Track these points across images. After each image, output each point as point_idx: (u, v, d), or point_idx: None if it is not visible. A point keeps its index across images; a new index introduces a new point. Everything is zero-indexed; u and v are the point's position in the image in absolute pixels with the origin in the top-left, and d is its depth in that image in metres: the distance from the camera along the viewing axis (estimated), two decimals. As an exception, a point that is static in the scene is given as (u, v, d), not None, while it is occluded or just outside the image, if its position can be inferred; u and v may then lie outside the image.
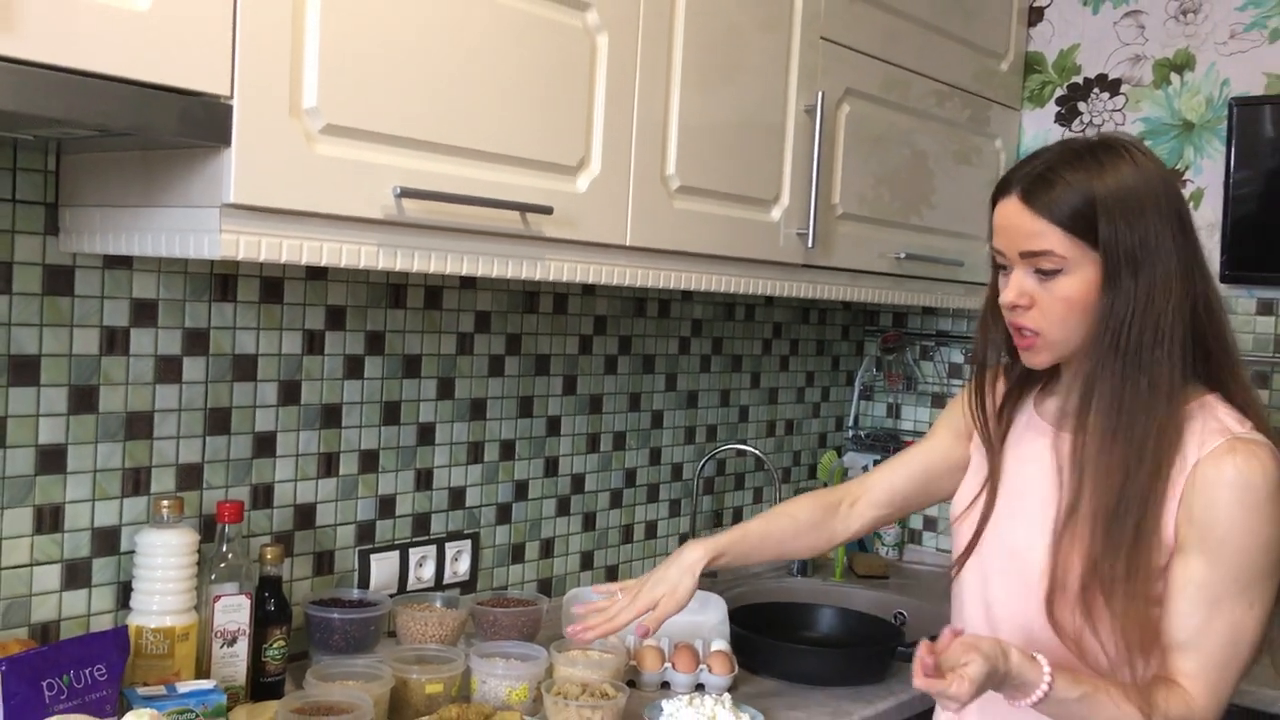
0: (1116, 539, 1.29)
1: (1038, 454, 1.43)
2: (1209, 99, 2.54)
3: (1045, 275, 1.31)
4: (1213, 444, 1.29)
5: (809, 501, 1.68)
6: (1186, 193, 2.58)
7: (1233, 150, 2.44)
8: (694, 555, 1.60)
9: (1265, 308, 2.48)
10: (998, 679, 1.23)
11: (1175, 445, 1.30)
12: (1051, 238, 1.29)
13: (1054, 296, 1.31)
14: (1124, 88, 2.66)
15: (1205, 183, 2.53)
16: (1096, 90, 2.69)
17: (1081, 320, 1.32)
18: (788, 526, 1.65)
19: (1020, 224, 1.31)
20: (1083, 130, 2.70)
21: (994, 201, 1.37)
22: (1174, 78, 2.59)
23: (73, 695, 1.34)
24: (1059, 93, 2.74)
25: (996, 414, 1.48)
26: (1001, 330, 1.41)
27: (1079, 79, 2.72)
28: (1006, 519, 1.44)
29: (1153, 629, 1.31)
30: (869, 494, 1.67)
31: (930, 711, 1.61)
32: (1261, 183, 2.41)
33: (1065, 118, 2.73)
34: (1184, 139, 2.58)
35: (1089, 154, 1.32)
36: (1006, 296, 1.34)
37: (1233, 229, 2.44)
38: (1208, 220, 2.51)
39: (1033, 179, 1.31)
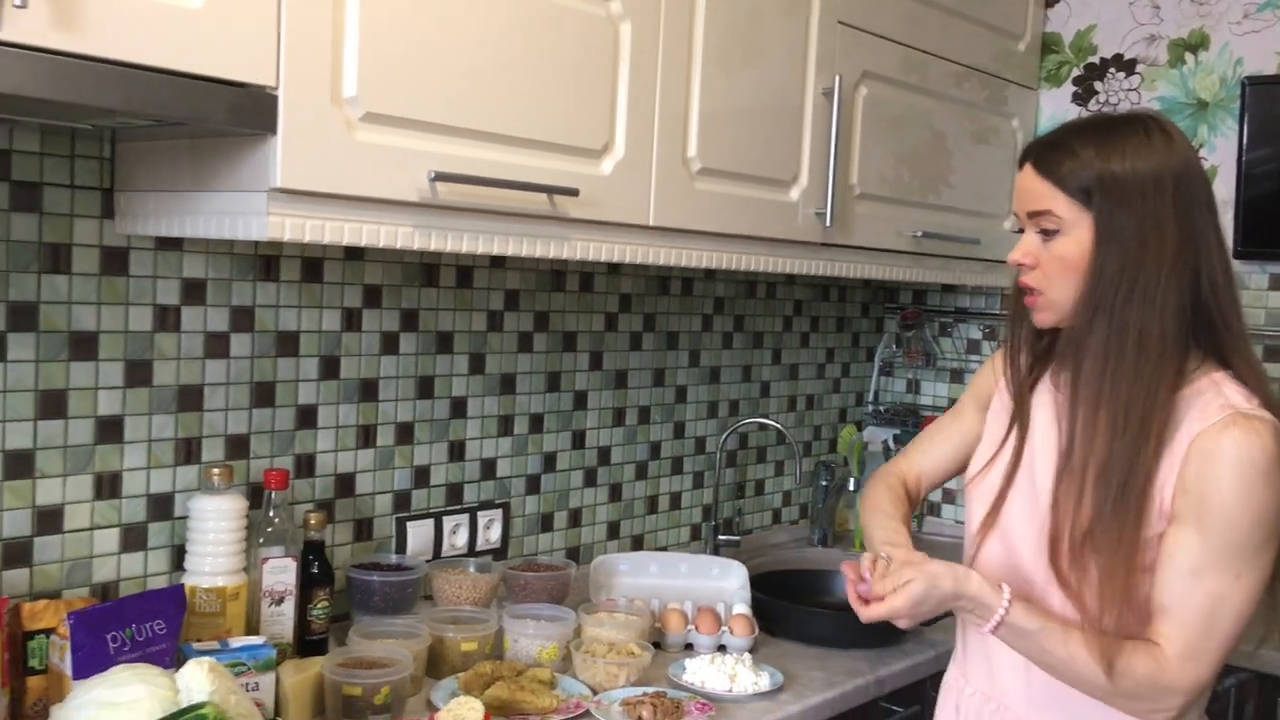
0: (1102, 498, 1.34)
1: (1050, 419, 1.48)
2: (1223, 78, 2.58)
3: (1047, 235, 1.39)
4: (1214, 418, 1.33)
5: (899, 492, 1.69)
6: (1201, 170, 2.62)
7: (1245, 129, 2.48)
8: (904, 542, 1.54)
9: (1277, 283, 2.53)
10: (942, 599, 1.35)
11: (1167, 412, 1.34)
12: (1051, 199, 1.37)
13: (1052, 255, 1.39)
14: (1139, 67, 2.70)
15: (1219, 160, 2.57)
16: (1113, 70, 2.74)
17: (1076, 281, 1.38)
18: (907, 515, 1.68)
19: (1029, 186, 1.41)
20: (1099, 110, 2.75)
21: (1020, 168, 1.46)
22: (1188, 57, 2.63)
23: (134, 647, 1.44)
24: (1076, 73, 2.79)
25: (1021, 384, 1.53)
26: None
27: (1095, 59, 2.76)
28: (1027, 481, 1.48)
29: (1131, 593, 1.34)
30: (928, 477, 1.72)
31: (941, 674, 1.67)
32: (1274, 161, 2.45)
33: (1082, 97, 2.78)
34: (1198, 118, 2.62)
35: (1104, 125, 1.39)
36: (1013, 254, 1.43)
37: (1245, 206, 2.48)
38: (1221, 197, 2.51)
39: (1045, 145, 1.41)
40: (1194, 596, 1.32)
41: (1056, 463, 1.42)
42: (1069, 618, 1.39)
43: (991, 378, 1.63)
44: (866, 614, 1.40)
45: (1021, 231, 1.44)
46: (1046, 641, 1.35)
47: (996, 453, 1.54)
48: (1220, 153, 2.57)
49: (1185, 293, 1.35)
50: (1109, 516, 1.34)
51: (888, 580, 1.38)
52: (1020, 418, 1.51)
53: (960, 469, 1.69)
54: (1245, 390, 1.36)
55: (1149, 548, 1.35)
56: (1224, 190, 2.56)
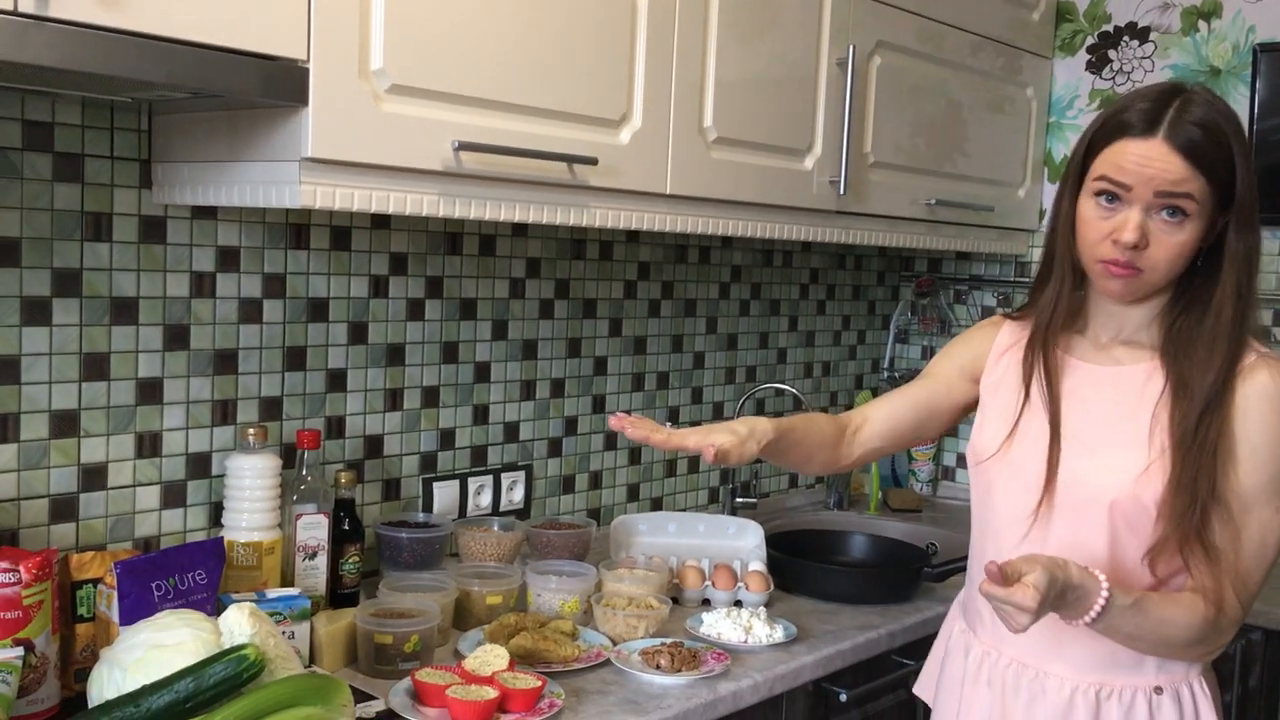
0: (1204, 440, 1.36)
1: (1101, 388, 1.47)
2: (1235, 45, 2.61)
3: (1171, 219, 1.34)
4: (1246, 361, 1.39)
5: (828, 420, 1.66)
6: (1213, 137, 2.65)
7: (1257, 96, 2.50)
8: (765, 427, 1.51)
9: (1288, 248, 2.56)
10: (1058, 590, 1.25)
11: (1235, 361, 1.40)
12: (1195, 183, 1.33)
13: (1172, 241, 1.35)
14: (1153, 35, 2.72)
15: (1231, 127, 2.59)
16: (1126, 38, 2.76)
17: (1183, 264, 1.38)
18: (815, 436, 1.62)
19: (1166, 166, 1.33)
20: (1112, 79, 2.77)
21: (1111, 135, 1.38)
22: (1201, 25, 2.66)
23: (177, 596, 1.52)
24: (1090, 41, 2.81)
25: (1053, 357, 1.51)
26: (1074, 256, 1.44)
27: (1109, 27, 2.78)
28: (1071, 454, 1.46)
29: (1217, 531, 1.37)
30: (870, 424, 1.65)
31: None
32: (1285, 127, 2.48)
33: (1096, 66, 2.80)
34: (1211, 85, 2.62)
35: (1206, 98, 1.36)
36: (1126, 235, 1.35)
37: (1258, 172, 2.50)
38: None
39: (1185, 123, 1.33)
40: (1249, 530, 1.37)
41: (1159, 436, 1.40)
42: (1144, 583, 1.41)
43: (982, 347, 1.61)
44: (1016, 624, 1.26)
45: (1107, 197, 1.37)
46: (1145, 611, 1.33)
47: (1016, 425, 1.50)
48: (1233, 120, 2.60)
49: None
50: (1207, 468, 1.36)
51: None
52: (1051, 384, 1.48)
53: (918, 427, 1.65)
54: (1253, 339, 1.42)
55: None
56: (1236, 157, 2.58)
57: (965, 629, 1.61)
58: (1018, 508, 1.49)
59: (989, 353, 1.60)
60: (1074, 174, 1.43)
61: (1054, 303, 1.50)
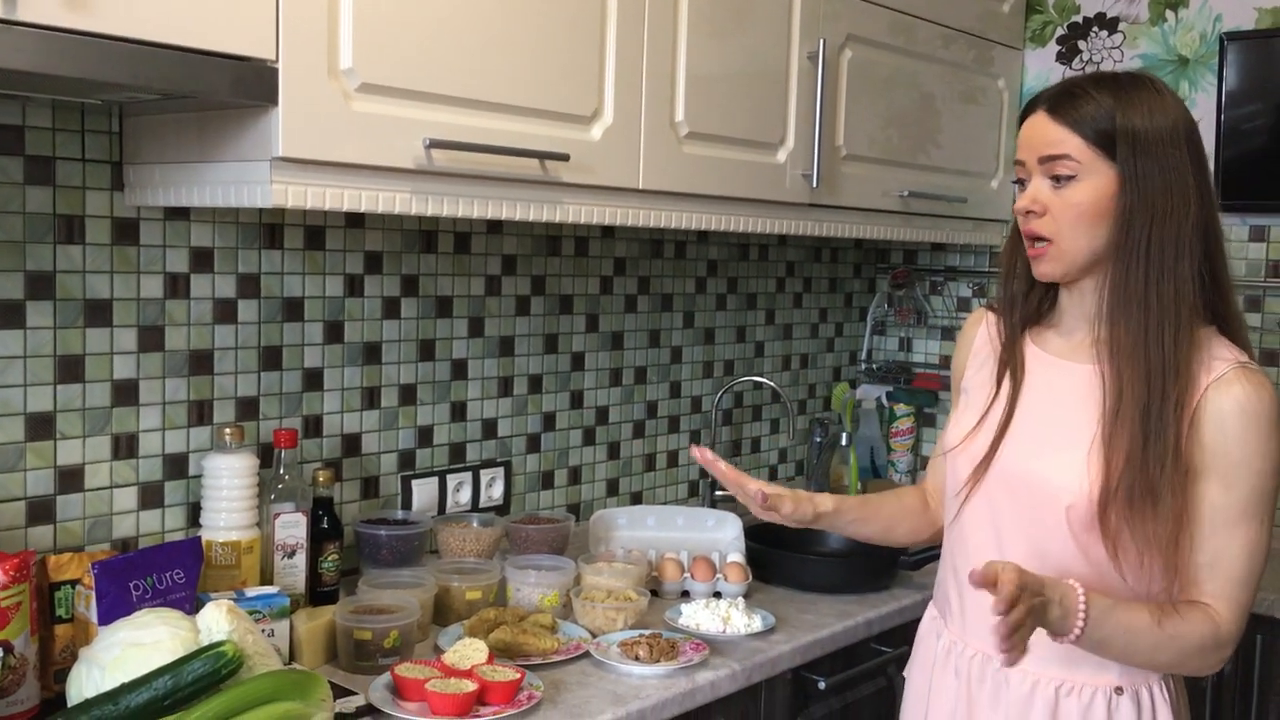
0: (1160, 450, 1.34)
1: (1057, 386, 1.47)
2: (1203, 34, 2.63)
3: (1059, 182, 1.38)
4: (1220, 371, 1.36)
5: (912, 490, 1.73)
6: (1182, 126, 2.67)
7: (1224, 84, 2.53)
8: (825, 499, 1.60)
9: (1257, 234, 2.59)
10: (1036, 589, 1.25)
11: (1190, 361, 1.36)
12: (1070, 144, 1.37)
13: (1066, 203, 1.38)
14: (1122, 25, 2.75)
15: (1199, 115, 2.56)
16: (1096, 28, 2.79)
17: (1090, 229, 1.38)
18: (895, 507, 1.69)
19: (1044, 133, 1.39)
20: (1082, 69, 2.80)
21: (1020, 120, 1.46)
22: (1169, 14, 2.68)
23: (156, 595, 1.52)
24: (1060, 32, 2.83)
25: (1015, 341, 1.53)
26: (1023, 252, 1.47)
27: (1079, 18, 2.81)
28: (1021, 447, 1.47)
29: (1182, 552, 1.36)
30: (936, 488, 1.68)
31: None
32: (1252, 114, 2.51)
33: (1066, 56, 2.83)
34: (1179, 74, 2.67)
35: (1113, 79, 1.41)
36: (1020, 203, 1.42)
37: (1226, 160, 2.54)
38: None
39: (1060, 94, 1.40)
40: (1232, 550, 1.37)
41: (1097, 429, 1.40)
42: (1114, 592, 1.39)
43: (962, 355, 1.64)
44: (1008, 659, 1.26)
45: (1020, 184, 1.44)
46: (1127, 618, 1.32)
47: (983, 416, 1.52)
48: (1200, 108, 2.62)
49: (1202, 245, 1.39)
50: (1171, 457, 1.34)
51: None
52: (1014, 375, 1.50)
53: None
54: (1231, 344, 1.41)
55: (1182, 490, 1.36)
56: (1205, 145, 2.61)
57: (936, 615, 1.62)
58: (956, 492, 1.53)
59: (967, 357, 1.62)
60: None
61: (1013, 297, 1.52)
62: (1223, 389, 1.36)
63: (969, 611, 1.53)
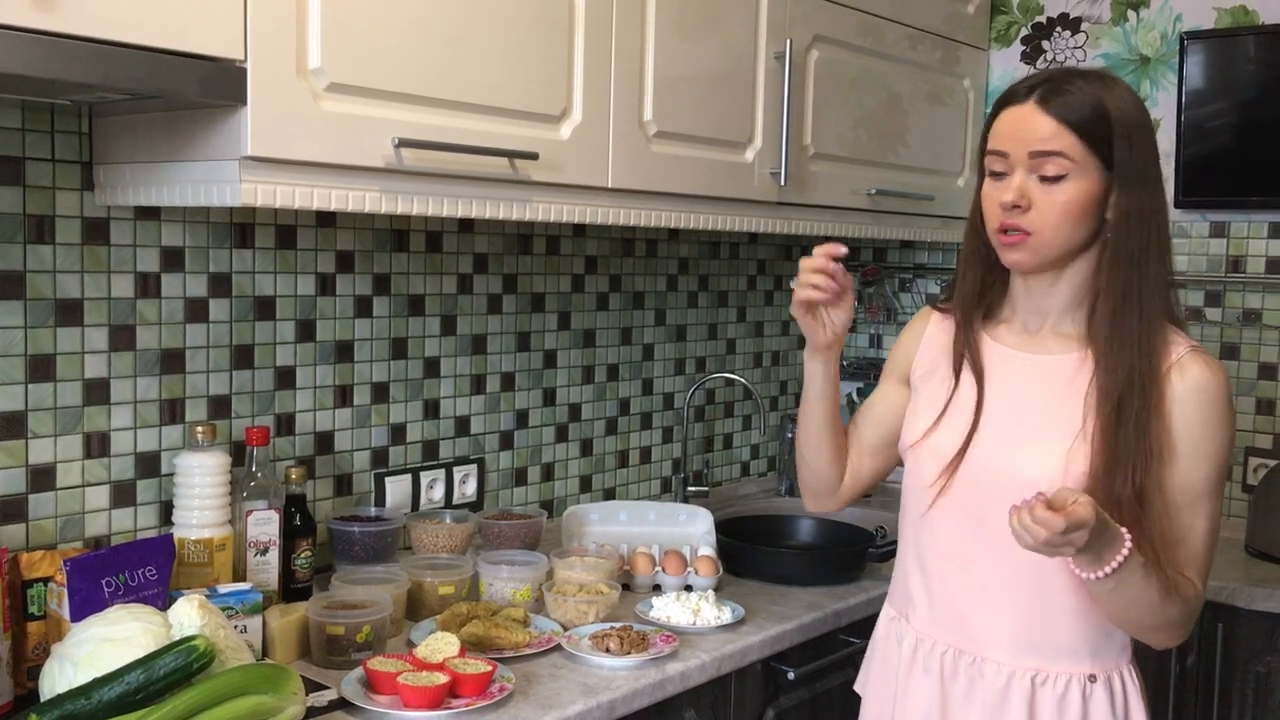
0: (1136, 432, 1.37)
1: (1022, 379, 1.48)
2: (1163, 34, 2.68)
3: (1048, 180, 1.37)
4: (1176, 355, 1.40)
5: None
6: (1144, 124, 2.72)
7: (1184, 83, 2.58)
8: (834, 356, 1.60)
9: (1218, 230, 2.64)
10: (1101, 531, 1.26)
11: (1162, 349, 1.40)
12: (1064, 140, 1.36)
13: (1053, 200, 1.37)
14: (1085, 25, 2.79)
15: (1160, 114, 2.67)
16: (1059, 29, 2.83)
17: (1074, 228, 1.39)
18: (842, 438, 1.68)
19: (1035, 126, 1.37)
20: (1045, 66, 2.84)
21: (998, 110, 1.44)
22: (1130, 14, 2.73)
23: (128, 592, 1.53)
24: (1024, 32, 2.88)
25: (974, 336, 1.53)
26: (985, 241, 1.48)
27: (1042, 18, 2.85)
28: (993, 441, 1.47)
29: (1145, 523, 1.38)
30: (858, 444, 1.68)
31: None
32: (1213, 113, 2.55)
33: (1030, 56, 2.87)
34: (1141, 73, 2.71)
35: (1096, 74, 1.42)
36: (1005, 196, 1.39)
37: (1186, 158, 2.59)
38: (1163, 149, 2.58)
39: (1052, 86, 1.38)
40: (1199, 524, 1.41)
41: (1076, 405, 1.42)
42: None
43: (910, 345, 1.63)
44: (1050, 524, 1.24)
45: (995, 175, 1.42)
46: (1145, 579, 1.33)
47: (944, 410, 1.52)
48: (1162, 106, 2.67)
49: (1168, 240, 1.43)
50: (1128, 454, 1.37)
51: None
52: (976, 370, 1.51)
53: (892, 438, 1.64)
54: (1180, 331, 1.45)
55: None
56: (1165, 142, 2.64)
57: (896, 616, 1.61)
58: (927, 485, 1.52)
59: (917, 350, 1.62)
60: (979, 160, 1.48)
61: (973, 288, 1.53)
62: (1182, 372, 1.40)
63: (939, 604, 1.53)
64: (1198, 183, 2.58)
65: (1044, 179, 1.38)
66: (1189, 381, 1.40)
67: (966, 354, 1.53)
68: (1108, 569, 1.29)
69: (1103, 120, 1.37)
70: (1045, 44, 2.85)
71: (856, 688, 1.71)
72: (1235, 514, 2.60)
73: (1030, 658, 1.47)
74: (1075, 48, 2.81)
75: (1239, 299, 2.61)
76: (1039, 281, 1.47)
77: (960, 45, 2.79)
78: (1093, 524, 1.24)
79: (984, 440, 1.48)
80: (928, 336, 1.62)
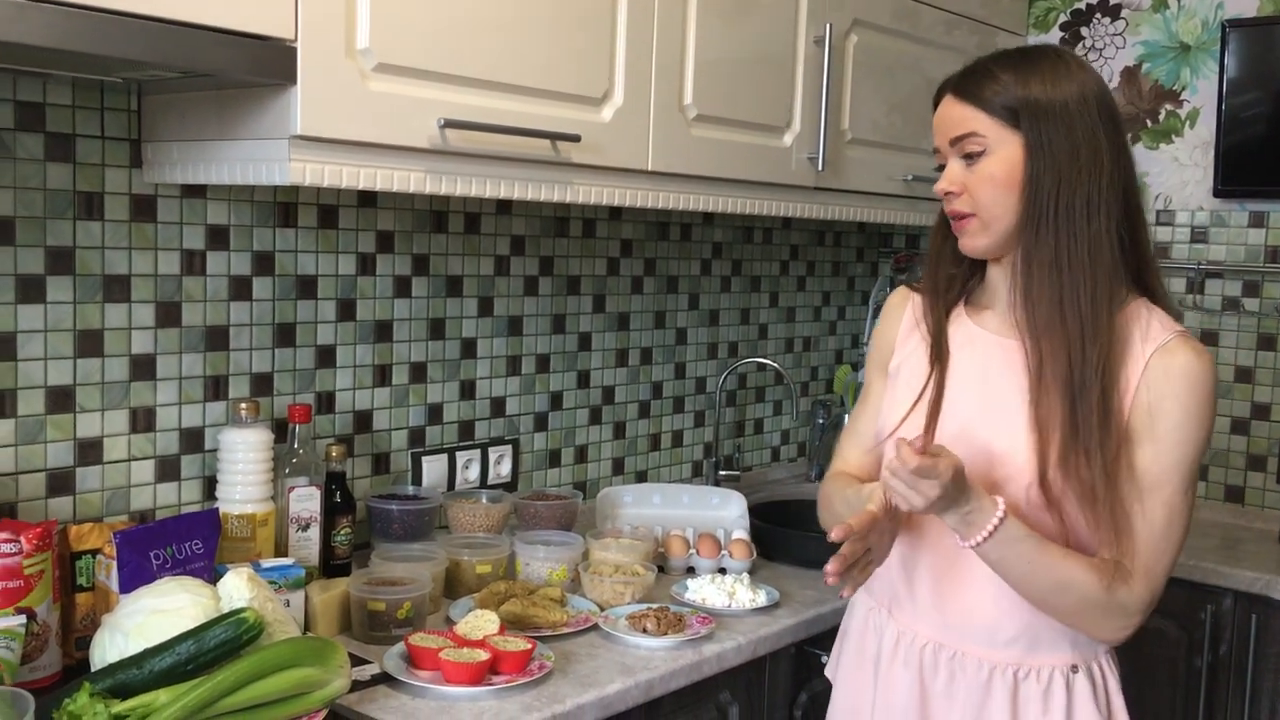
0: (1085, 411, 1.36)
1: (991, 361, 1.47)
2: (1204, 21, 2.66)
3: (971, 159, 1.40)
4: (1162, 339, 1.38)
5: (842, 480, 1.61)
6: (1183, 112, 2.70)
7: (1225, 71, 2.56)
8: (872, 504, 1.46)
9: (1256, 220, 2.62)
10: (957, 496, 1.29)
11: (1122, 327, 1.38)
12: (974, 121, 1.39)
13: (979, 177, 1.39)
14: (1124, 12, 2.77)
15: (1200, 103, 2.65)
16: (1098, 15, 2.81)
17: (1006, 199, 1.39)
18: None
19: (949, 114, 1.43)
20: (1084, 54, 2.82)
21: (934, 109, 1.47)
22: (1171, 1, 2.70)
23: (175, 565, 1.55)
24: (1063, 18, 2.86)
25: (940, 322, 1.52)
26: (950, 234, 1.48)
27: (1082, 5, 2.83)
28: (960, 424, 1.46)
29: (1116, 513, 1.36)
30: (862, 444, 1.63)
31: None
32: (1253, 101, 2.53)
33: (1069, 43, 2.85)
34: (1181, 61, 2.69)
35: (1017, 53, 1.44)
36: (939, 185, 1.43)
37: (1226, 147, 2.57)
38: (1203, 139, 2.64)
39: (961, 75, 1.44)
40: (1155, 512, 1.37)
41: (1026, 387, 1.40)
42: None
43: (888, 337, 1.61)
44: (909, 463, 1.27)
45: (942, 169, 1.45)
46: (1038, 552, 1.34)
47: (919, 397, 1.50)
48: (1202, 95, 2.65)
49: (1121, 210, 1.39)
50: (1098, 430, 1.35)
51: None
52: (940, 355, 1.50)
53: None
54: (1169, 316, 1.43)
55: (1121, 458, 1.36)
56: (1205, 131, 2.64)
57: (875, 607, 1.58)
58: None
59: (898, 336, 1.59)
60: None
61: (944, 283, 1.52)
62: (1167, 356, 1.38)
63: (920, 597, 1.51)
64: (1237, 172, 2.56)
65: (967, 160, 1.41)
66: (1176, 365, 1.37)
67: (935, 342, 1.51)
68: (979, 536, 1.32)
69: (1006, 93, 1.38)
70: (1084, 30, 2.83)
71: (827, 673, 1.69)
72: (1270, 505, 2.59)
73: (1011, 653, 1.45)
74: (1115, 34, 2.79)
75: (1278, 290, 2.60)
76: (1004, 263, 1.46)
77: (998, 31, 2.77)
78: (945, 479, 1.27)
79: (948, 425, 1.46)
80: (905, 322, 1.59)
